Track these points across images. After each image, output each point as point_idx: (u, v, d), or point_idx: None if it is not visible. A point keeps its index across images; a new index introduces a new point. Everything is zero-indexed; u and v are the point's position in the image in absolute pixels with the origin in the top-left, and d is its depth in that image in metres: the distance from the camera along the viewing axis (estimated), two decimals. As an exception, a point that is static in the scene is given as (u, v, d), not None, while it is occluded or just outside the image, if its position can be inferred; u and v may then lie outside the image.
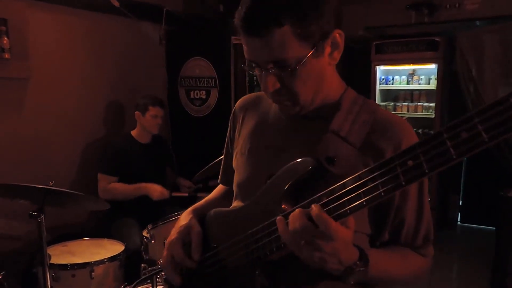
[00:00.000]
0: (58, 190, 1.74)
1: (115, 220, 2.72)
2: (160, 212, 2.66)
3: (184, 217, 1.12)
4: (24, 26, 2.57)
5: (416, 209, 0.92)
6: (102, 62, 3.13)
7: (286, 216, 0.79)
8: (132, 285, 1.73)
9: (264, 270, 0.89)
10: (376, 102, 4.67)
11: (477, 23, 3.81)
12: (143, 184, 2.70)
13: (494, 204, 3.13)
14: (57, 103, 2.83)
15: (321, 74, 0.89)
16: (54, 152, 2.82)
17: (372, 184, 0.69)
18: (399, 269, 0.93)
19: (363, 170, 0.71)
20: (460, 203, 4.89)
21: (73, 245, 2.36)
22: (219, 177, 1.26)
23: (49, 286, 1.80)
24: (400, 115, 4.70)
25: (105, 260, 2.14)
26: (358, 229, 0.86)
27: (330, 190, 0.75)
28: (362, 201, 0.71)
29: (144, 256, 2.26)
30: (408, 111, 4.63)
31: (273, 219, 0.83)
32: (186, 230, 1.06)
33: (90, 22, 3.02)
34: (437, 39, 4.11)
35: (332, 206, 0.74)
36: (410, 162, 0.65)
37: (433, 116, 4.36)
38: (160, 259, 1.85)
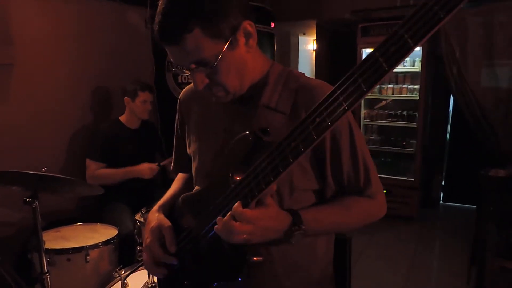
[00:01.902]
0: (52, 175, 1.75)
1: (106, 205, 2.74)
2: (150, 197, 2.70)
3: (152, 217, 1.17)
4: (7, 11, 2.52)
5: (350, 157, 1.03)
6: (88, 46, 3.09)
7: (237, 186, 0.91)
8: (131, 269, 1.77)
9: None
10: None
11: (461, 5, 3.86)
12: (133, 168, 2.70)
13: (475, 184, 3.24)
14: (43, 89, 2.80)
15: (241, 62, 0.97)
16: (42, 139, 2.80)
17: (295, 144, 0.78)
18: (343, 217, 1.05)
19: (288, 133, 0.80)
20: (443, 183, 5.04)
21: (67, 230, 2.38)
22: (172, 166, 1.36)
23: (46, 271, 1.82)
24: (385, 97, 4.80)
25: (100, 244, 2.17)
26: (305, 187, 1.04)
27: (260, 161, 0.85)
28: (290, 159, 0.79)
29: (138, 240, 2.30)
30: (393, 93, 4.71)
31: (229, 190, 0.93)
32: (158, 229, 1.12)
33: (75, 6, 2.96)
34: (422, 22, 4.16)
35: (260, 177, 0.84)
36: (317, 119, 0.75)
37: (417, 98, 4.44)
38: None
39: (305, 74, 1.07)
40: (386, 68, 0.67)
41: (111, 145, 2.74)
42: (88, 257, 2.12)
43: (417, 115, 4.49)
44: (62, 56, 2.93)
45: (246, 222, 0.86)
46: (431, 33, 0.62)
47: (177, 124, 1.29)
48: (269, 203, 0.89)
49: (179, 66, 0.97)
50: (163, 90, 3.68)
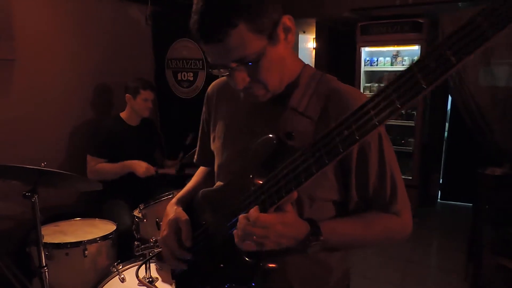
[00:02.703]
0: (51, 170, 1.77)
1: (105, 201, 2.75)
2: (148, 193, 2.71)
3: (170, 210, 1.18)
4: (9, 7, 2.53)
5: (377, 170, 0.98)
6: (89, 43, 3.11)
7: (257, 190, 0.89)
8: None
9: None
10: (361, 83, 4.78)
11: (460, 4, 3.87)
12: (128, 161, 2.71)
13: (473, 182, 3.25)
14: (44, 85, 2.82)
15: (281, 59, 0.94)
16: (42, 134, 2.81)
17: (319, 154, 0.76)
18: (364, 232, 1.00)
19: (305, 148, 0.79)
20: (441, 181, 5.06)
21: (65, 225, 2.39)
22: (195, 157, 1.34)
23: (44, 264, 1.84)
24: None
25: (98, 239, 2.18)
26: (327, 197, 0.98)
27: (283, 166, 0.83)
28: (312, 170, 0.77)
29: (136, 235, 2.32)
30: (392, 92, 4.72)
31: (248, 193, 0.92)
32: (175, 222, 1.12)
33: (76, 2, 2.98)
34: (421, 21, 4.17)
35: (281, 184, 0.82)
36: (345, 132, 0.72)
37: (416, 97, 4.45)
38: (153, 237, 1.93)
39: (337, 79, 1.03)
40: (424, 86, 0.62)
41: (112, 142, 2.75)
42: (86, 252, 2.13)
43: (415, 113, 4.50)
44: (64, 52, 2.94)
45: (261, 226, 0.83)
46: (478, 50, 0.57)
47: (203, 118, 1.26)
48: (288, 210, 0.86)
49: (217, 66, 0.92)
50: (163, 87, 3.69)
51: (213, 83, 1.23)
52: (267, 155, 0.94)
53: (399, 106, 0.65)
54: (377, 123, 0.68)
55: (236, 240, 0.87)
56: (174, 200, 1.23)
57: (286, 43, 0.93)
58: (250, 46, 0.86)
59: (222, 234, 1.01)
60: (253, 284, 0.95)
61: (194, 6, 0.87)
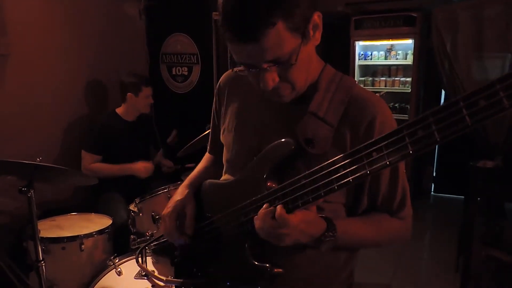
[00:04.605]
0: (47, 165, 1.78)
1: (101, 195, 2.76)
2: (145, 187, 2.72)
3: (181, 191, 1.19)
4: (0, 2, 2.51)
5: (389, 179, 0.99)
6: (83, 37, 3.10)
7: (271, 194, 0.90)
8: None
9: (253, 240, 0.97)
10: (355, 77, 4.79)
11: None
12: (128, 165, 2.73)
13: (466, 175, 3.29)
14: (38, 79, 2.81)
15: (310, 58, 0.92)
16: (37, 129, 2.81)
17: (343, 172, 0.78)
18: (372, 233, 1.02)
19: (337, 157, 0.80)
20: (434, 174, 5.11)
21: (61, 219, 2.40)
22: (208, 147, 1.32)
23: (41, 259, 1.85)
24: (378, 90, 4.84)
25: (94, 233, 2.20)
26: (334, 200, 0.98)
27: (309, 173, 0.84)
28: (334, 186, 0.80)
29: (132, 229, 2.34)
30: (385, 86, 4.75)
31: (260, 195, 0.92)
32: (182, 204, 1.14)
33: (69, -3, 2.97)
34: (414, 15, 4.20)
35: (308, 189, 0.83)
36: (374, 154, 0.72)
37: (409, 91, 4.49)
38: (149, 231, 1.95)
39: (357, 82, 1.01)
40: (469, 124, 0.59)
41: (107, 137, 2.76)
42: (82, 246, 2.15)
43: (409, 107, 4.54)
44: (57, 47, 2.93)
45: (286, 226, 0.84)
46: None
47: (213, 109, 1.23)
48: (311, 209, 0.88)
49: (246, 65, 0.88)
50: (157, 82, 3.70)
51: (225, 74, 1.19)
52: (282, 158, 0.93)
53: (438, 140, 0.63)
54: (411, 152, 0.66)
55: (256, 228, 0.88)
56: (186, 182, 1.23)
57: (314, 41, 0.90)
58: (286, 46, 0.82)
59: (229, 232, 1.01)
60: (258, 287, 0.96)
61: (226, 4, 0.81)
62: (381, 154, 0.70)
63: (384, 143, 0.70)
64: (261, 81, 0.88)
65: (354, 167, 0.75)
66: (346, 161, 0.77)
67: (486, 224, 2.88)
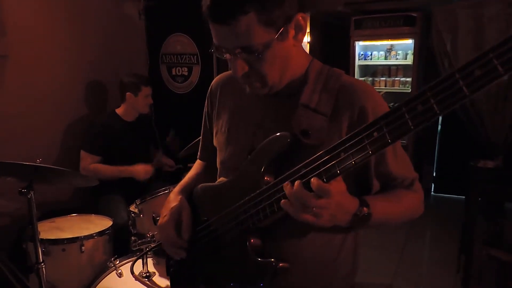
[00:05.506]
0: (47, 167, 1.77)
1: (101, 196, 2.75)
2: (145, 188, 2.71)
3: (174, 198, 1.18)
4: (0, 2, 2.51)
5: (395, 158, 1.00)
6: (82, 38, 3.09)
7: (270, 188, 0.88)
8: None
9: (254, 236, 0.97)
10: (355, 77, 4.79)
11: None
12: (127, 168, 2.71)
13: (466, 175, 3.29)
14: (38, 80, 2.80)
15: (287, 55, 0.94)
16: (37, 130, 2.80)
17: (345, 155, 0.77)
18: (397, 209, 1.02)
19: (336, 143, 0.79)
20: (434, 174, 5.11)
21: (61, 221, 2.40)
22: (199, 153, 1.32)
23: (41, 260, 1.85)
24: (378, 90, 4.83)
25: (94, 234, 2.19)
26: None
27: (307, 162, 0.83)
28: (337, 170, 0.78)
29: (132, 231, 2.32)
30: (385, 86, 4.75)
31: (259, 190, 0.91)
32: (177, 211, 1.12)
33: (68, -3, 2.97)
34: (414, 15, 4.20)
35: (310, 176, 0.81)
36: (375, 134, 0.73)
37: (409, 91, 4.49)
38: (149, 232, 1.94)
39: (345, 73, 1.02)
40: (467, 93, 0.61)
41: (107, 138, 2.74)
42: (83, 248, 2.14)
43: (409, 107, 4.53)
44: (57, 47, 2.92)
45: (323, 194, 0.79)
46: None
47: (205, 112, 1.24)
48: (340, 179, 0.83)
49: (220, 48, 0.91)
50: (157, 82, 3.69)
51: (218, 77, 1.22)
52: (278, 152, 0.93)
53: (438, 112, 0.64)
54: (412, 127, 0.67)
55: (291, 210, 0.83)
56: (177, 188, 1.22)
57: (295, 41, 0.92)
58: (256, 37, 0.85)
59: (229, 232, 1.00)
60: (261, 284, 0.94)
61: None
62: (382, 132, 0.71)
63: (383, 122, 0.71)
64: (232, 66, 0.93)
65: (355, 149, 0.75)
66: (346, 145, 0.77)
67: (487, 224, 2.88)
